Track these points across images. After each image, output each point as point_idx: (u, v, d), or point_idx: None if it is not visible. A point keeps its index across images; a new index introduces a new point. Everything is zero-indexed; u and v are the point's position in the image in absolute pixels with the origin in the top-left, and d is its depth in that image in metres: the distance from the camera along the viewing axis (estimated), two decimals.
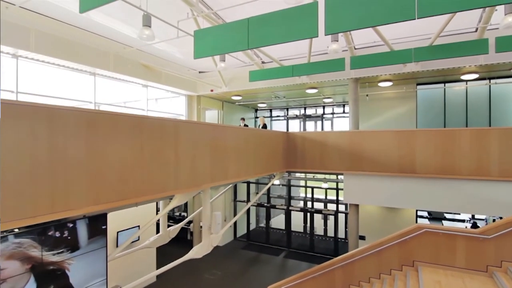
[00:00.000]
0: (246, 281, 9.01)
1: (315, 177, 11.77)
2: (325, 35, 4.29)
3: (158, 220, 6.00)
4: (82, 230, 3.09)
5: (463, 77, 8.14)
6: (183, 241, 12.68)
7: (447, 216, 15.14)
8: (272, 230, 13.15)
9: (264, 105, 13.13)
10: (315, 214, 11.68)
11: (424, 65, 7.17)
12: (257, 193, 14.20)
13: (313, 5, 4.08)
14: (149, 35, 4.72)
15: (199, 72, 10.16)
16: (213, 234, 5.49)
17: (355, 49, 7.72)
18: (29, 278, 2.67)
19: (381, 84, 8.74)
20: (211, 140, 4.94)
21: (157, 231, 7.29)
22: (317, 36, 4.08)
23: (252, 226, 13.77)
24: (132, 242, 7.27)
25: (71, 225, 2.99)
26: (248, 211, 13.36)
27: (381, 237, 6.09)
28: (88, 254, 3.16)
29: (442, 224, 13.24)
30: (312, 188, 11.99)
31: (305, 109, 13.68)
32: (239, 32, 4.70)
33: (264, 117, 14.53)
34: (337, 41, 6.00)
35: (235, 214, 13.02)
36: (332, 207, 12.02)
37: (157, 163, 3.85)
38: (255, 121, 14.48)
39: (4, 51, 5.45)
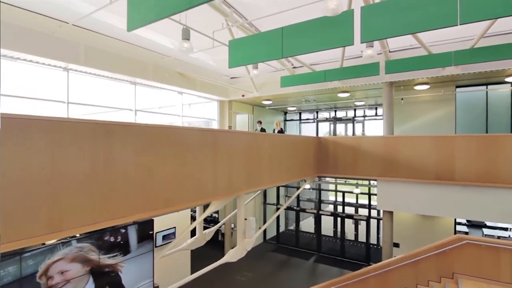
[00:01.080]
0: (277, 284, 9.09)
1: (347, 182, 11.60)
2: (361, 43, 4.28)
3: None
4: (132, 235, 3.34)
5: (507, 79, 7.68)
6: (214, 242, 12.99)
7: (488, 223, 14.26)
8: (302, 234, 13.11)
9: (294, 108, 13.14)
10: (345, 219, 11.50)
11: (465, 68, 6.86)
12: (286, 195, 14.25)
13: (348, 13, 4.09)
14: (188, 47, 4.95)
15: (231, 78, 10.39)
16: (247, 239, 5.64)
17: (390, 52, 7.55)
18: (88, 279, 2.94)
19: (418, 87, 8.46)
20: (246, 148, 5.09)
21: (192, 233, 7.56)
22: (353, 44, 4.09)
23: (281, 228, 13.82)
24: (167, 243, 7.61)
25: (123, 230, 3.24)
26: (277, 215, 13.43)
27: (417, 245, 5.93)
28: (137, 257, 3.41)
29: (482, 232, 12.50)
30: (343, 192, 11.82)
31: (335, 111, 13.50)
32: (273, 41, 4.79)
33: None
34: (372, 46, 5.92)
35: (264, 217, 13.15)
36: (363, 212, 11.79)
37: (197, 172, 4.05)
38: (285, 125, 14.51)
39: (57, 65, 5.95)
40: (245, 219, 5.61)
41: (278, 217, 13.43)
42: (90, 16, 5.21)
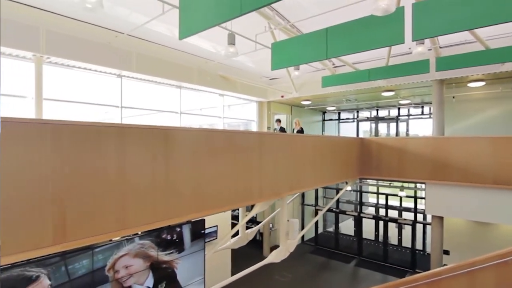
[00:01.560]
0: (317, 287, 8.99)
1: (391, 184, 11.13)
2: (413, 41, 4.10)
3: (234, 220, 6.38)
4: (186, 234, 3.52)
5: None
6: (253, 241, 13.13)
7: None
8: (341, 236, 12.82)
9: (333, 108, 12.88)
10: (389, 223, 11.04)
11: None
12: (324, 197, 14.01)
13: (398, 11, 3.93)
14: (234, 52, 5.07)
15: (270, 79, 10.45)
16: (289, 240, 5.66)
17: (441, 48, 7.12)
18: (148, 274, 3.15)
19: (471, 85, 7.88)
20: (289, 150, 5.11)
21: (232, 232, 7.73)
22: (403, 43, 3.93)
23: (319, 230, 13.62)
24: (210, 240, 7.84)
25: (178, 229, 3.43)
26: (315, 215, 13.26)
27: (469, 253, 5.53)
28: (190, 255, 3.58)
29: None
30: (386, 195, 11.35)
31: (377, 110, 13.00)
32: (317, 43, 4.74)
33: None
34: (423, 43, 5.63)
35: (302, 218, 13.06)
36: (407, 216, 11.24)
37: (244, 174, 4.15)
38: (323, 124, 14.26)
39: (112, 72, 6.41)
40: (287, 220, 5.63)
41: (316, 220, 13.26)
42: (143, 26, 5.55)
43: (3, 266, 2.22)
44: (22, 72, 5.35)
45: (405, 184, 10.50)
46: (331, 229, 14.11)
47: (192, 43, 6.97)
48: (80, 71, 6.04)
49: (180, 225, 3.46)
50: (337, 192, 13.01)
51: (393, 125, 13.15)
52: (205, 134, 3.60)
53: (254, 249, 12.18)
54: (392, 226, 11.43)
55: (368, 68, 7.02)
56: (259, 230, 12.99)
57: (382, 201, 12.60)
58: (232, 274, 9.64)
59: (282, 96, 10.03)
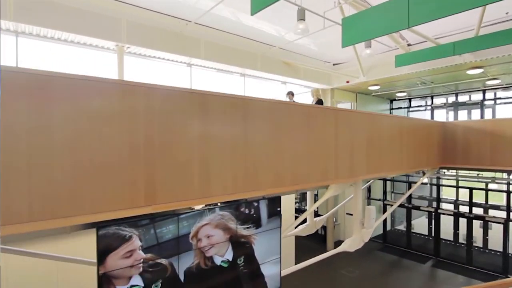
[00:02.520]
0: (389, 285, 8.31)
1: (479, 175, 9.78)
2: None
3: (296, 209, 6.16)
4: (263, 210, 3.41)
5: None
6: (314, 235, 12.77)
7: None
8: (413, 235, 11.71)
9: (403, 94, 11.79)
10: (473, 221, 9.73)
11: None
12: (392, 192, 12.99)
13: None
14: (303, 28, 4.84)
15: (334, 64, 9.95)
16: (364, 229, 5.25)
17: None
18: (228, 247, 3.10)
19: None
20: (366, 129, 4.71)
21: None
22: None
23: (387, 227, 12.65)
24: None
25: (256, 204, 3.33)
26: (383, 211, 12.36)
27: None
28: (267, 232, 3.46)
29: None
30: (470, 189, 10.01)
31: (456, 95, 11.55)
32: (396, 10, 4.25)
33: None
34: None
35: None
36: (495, 213, 9.78)
37: (320, 153, 3.90)
38: (390, 114, 13.18)
39: (183, 61, 6.66)
40: (365, 207, 5.22)
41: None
42: (209, 13, 5.63)
43: (101, 224, 2.34)
44: (103, 64, 5.84)
45: (497, 174, 9.08)
46: (400, 227, 13.02)
47: (256, 27, 6.91)
48: (154, 61, 6.39)
49: (258, 200, 3.36)
50: (409, 186, 11.93)
51: (475, 112, 11.54)
52: (283, 107, 3.45)
53: (317, 243, 11.82)
54: (476, 225, 10.06)
55: (453, 41, 6.18)
56: (322, 224, 12.59)
57: (462, 197, 11.19)
58: (295, 265, 9.45)
59: (348, 82, 9.48)
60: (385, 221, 12.31)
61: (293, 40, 5.51)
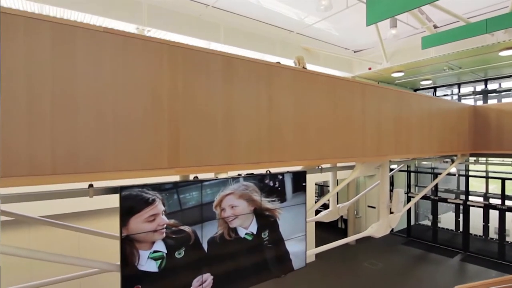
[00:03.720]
0: (414, 278, 7.96)
1: None
2: None
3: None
4: (288, 184, 3.27)
5: None
6: (334, 228, 12.52)
7: None
8: (440, 229, 11.20)
9: (428, 82, 11.29)
10: (506, 213, 9.18)
11: None
12: (416, 185, 12.49)
13: None
14: (327, 5, 4.65)
15: (355, 51, 9.65)
16: (391, 214, 5.00)
17: None
18: (252, 219, 2.99)
19: None
20: (394, 107, 4.47)
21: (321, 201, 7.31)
22: None
23: (411, 221, 12.17)
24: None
25: (280, 177, 3.20)
26: (407, 203, 11.91)
27: None
28: (291, 207, 3.33)
29: None
30: (503, 179, 9.45)
31: (485, 82, 10.93)
32: None
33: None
34: None
35: None
36: None
37: (346, 126, 3.72)
38: None
39: (202, 45, 6.60)
40: (392, 190, 4.97)
41: (408, 210, 11.90)
42: None
43: (125, 185, 2.28)
44: None
45: None
46: (425, 221, 12.52)
47: (275, 10, 6.76)
48: None
49: (282, 174, 3.23)
50: (434, 177, 11.40)
51: (506, 102, 10.91)
52: (308, 76, 3.29)
53: (337, 237, 11.53)
54: (508, 219, 9.49)
55: (485, 19, 5.81)
56: (342, 217, 12.28)
57: (492, 190, 10.61)
58: (316, 258, 9.24)
59: (370, 69, 9.16)
60: (409, 215, 11.88)
61: (313, 23, 5.32)
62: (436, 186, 11.20)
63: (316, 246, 9.34)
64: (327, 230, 12.05)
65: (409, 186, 11.78)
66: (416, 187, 12.51)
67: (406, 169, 11.73)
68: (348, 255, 9.61)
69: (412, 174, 11.93)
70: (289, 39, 7.75)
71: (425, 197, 11.23)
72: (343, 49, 9.45)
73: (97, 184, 2.35)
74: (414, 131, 4.86)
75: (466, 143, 6.46)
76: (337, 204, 5.94)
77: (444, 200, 10.57)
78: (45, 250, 2.56)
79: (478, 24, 5.95)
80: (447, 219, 12.10)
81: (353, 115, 3.83)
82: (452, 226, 11.46)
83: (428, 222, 12.12)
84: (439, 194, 11.66)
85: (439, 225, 11.21)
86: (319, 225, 10.29)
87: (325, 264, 8.92)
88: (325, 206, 6.00)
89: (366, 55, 9.27)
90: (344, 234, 11.37)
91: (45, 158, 1.82)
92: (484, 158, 8.28)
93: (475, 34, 5.98)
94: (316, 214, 6.16)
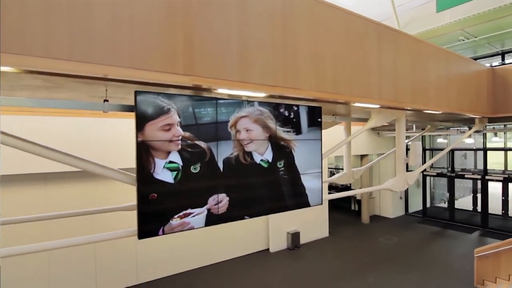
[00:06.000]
0: (431, 251, 7.76)
1: None
2: None
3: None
4: (303, 116, 3.20)
5: None
6: (347, 210, 12.36)
7: None
8: (456, 210, 10.89)
9: None
10: None
11: None
12: (432, 166, 12.18)
13: None
14: None
15: None
16: (409, 172, 4.85)
17: None
18: (267, 146, 2.93)
19: None
20: (411, 55, 4.34)
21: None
22: None
23: (427, 204, 11.89)
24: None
25: (295, 108, 3.13)
26: (424, 185, 11.66)
27: None
28: (307, 141, 3.26)
29: None
30: None
31: (502, 56, 10.54)
32: None
33: None
34: None
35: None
36: None
37: (362, 65, 3.62)
38: None
39: None
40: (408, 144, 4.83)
41: (424, 189, 11.65)
42: None
43: (140, 90, 2.25)
44: None
45: None
46: (441, 204, 12.24)
47: None
48: None
49: (297, 105, 3.16)
50: (451, 155, 11.08)
51: None
52: (324, 8, 3.21)
53: (351, 217, 11.40)
54: None
55: None
56: (356, 198, 12.11)
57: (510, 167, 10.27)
58: (330, 234, 9.11)
59: None
60: (424, 197, 11.63)
61: None
62: (452, 164, 10.92)
63: (330, 225, 9.24)
64: (340, 212, 11.91)
65: (423, 161, 11.51)
66: (431, 168, 12.23)
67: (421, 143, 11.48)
68: (363, 232, 9.46)
69: (427, 152, 11.65)
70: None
71: (441, 175, 10.97)
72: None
73: (111, 93, 2.33)
74: (431, 84, 4.72)
75: (484, 105, 6.25)
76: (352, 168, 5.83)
77: (461, 177, 10.26)
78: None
79: None
80: (464, 202, 11.80)
81: (369, 54, 3.72)
82: (469, 207, 11.15)
83: (444, 205, 11.84)
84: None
85: (456, 206, 10.91)
86: (332, 207, 10.19)
87: (340, 240, 8.80)
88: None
89: None
90: (358, 215, 11.21)
91: (61, 41, 1.80)
92: (503, 125, 7.94)
93: None
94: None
